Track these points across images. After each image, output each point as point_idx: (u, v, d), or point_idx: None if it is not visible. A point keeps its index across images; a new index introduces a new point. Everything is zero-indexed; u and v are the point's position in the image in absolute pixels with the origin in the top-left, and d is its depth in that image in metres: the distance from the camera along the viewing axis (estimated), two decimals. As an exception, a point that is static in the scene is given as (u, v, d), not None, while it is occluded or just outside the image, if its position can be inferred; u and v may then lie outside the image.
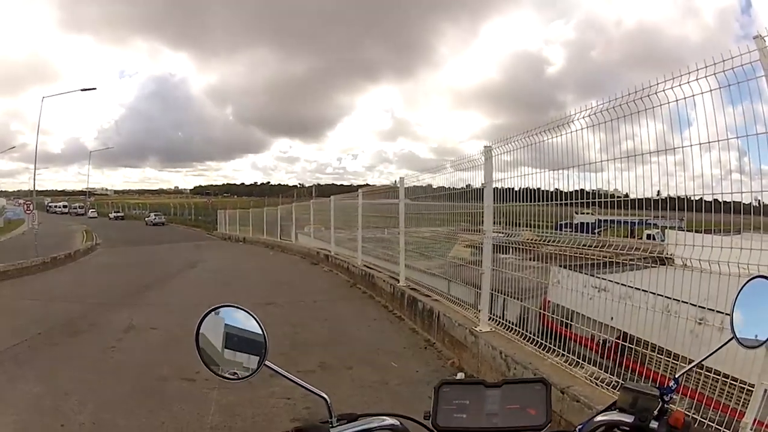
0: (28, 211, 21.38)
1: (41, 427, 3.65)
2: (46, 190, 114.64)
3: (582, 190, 3.92)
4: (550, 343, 3.84)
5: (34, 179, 27.14)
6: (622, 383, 1.09)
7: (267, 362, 1.05)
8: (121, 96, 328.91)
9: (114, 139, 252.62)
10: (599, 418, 1.04)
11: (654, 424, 0.99)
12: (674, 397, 1.07)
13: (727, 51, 2.49)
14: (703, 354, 1.15)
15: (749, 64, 2.44)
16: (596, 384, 3.24)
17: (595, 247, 3.69)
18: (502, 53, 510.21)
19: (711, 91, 2.65)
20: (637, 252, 3.21)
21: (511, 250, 4.88)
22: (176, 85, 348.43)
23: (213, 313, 1.07)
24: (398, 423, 1.07)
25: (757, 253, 2.37)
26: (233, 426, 3.65)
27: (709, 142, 2.72)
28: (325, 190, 47.18)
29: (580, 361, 3.52)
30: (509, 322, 4.51)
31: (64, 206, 77.29)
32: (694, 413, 2.52)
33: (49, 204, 78.67)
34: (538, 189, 4.25)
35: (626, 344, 3.18)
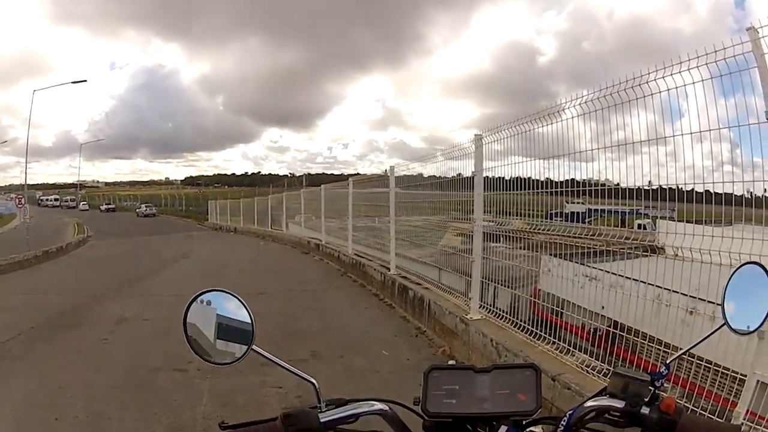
0: (19, 205, 21.11)
1: (36, 420, 3.63)
2: (38, 184, 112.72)
3: (573, 180, 3.92)
4: (541, 331, 3.86)
5: (26, 173, 26.88)
6: (613, 370, 1.09)
7: (254, 347, 1.04)
8: (112, 88, 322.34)
9: (105, 131, 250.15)
10: (589, 403, 1.03)
11: (645, 410, 0.98)
12: (666, 384, 1.07)
13: (721, 44, 2.48)
14: (694, 341, 1.16)
15: (742, 56, 2.43)
16: (587, 371, 3.26)
17: (585, 236, 3.70)
18: (494, 43, 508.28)
19: (703, 81, 2.63)
20: (628, 241, 3.22)
21: (501, 238, 4.89)
22: (167, 76, 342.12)
23: (198, 299, 1.06)
24: (387, 408, 1.06)
25: (748, 242, 2.37)
26: (225, 415, 3.64)
27: (700, 132, 2.72)
28: (315, 180, 47.07)
29: (571, 348, 3.54)
30: (500, 310, 4.53)
31: (56, 199, 76.38)
32: (686, 402, 2.54)
33: (41, 197, 77.77)
34: (529, 178, 4.27)
35: (617, 332, 3.20)
